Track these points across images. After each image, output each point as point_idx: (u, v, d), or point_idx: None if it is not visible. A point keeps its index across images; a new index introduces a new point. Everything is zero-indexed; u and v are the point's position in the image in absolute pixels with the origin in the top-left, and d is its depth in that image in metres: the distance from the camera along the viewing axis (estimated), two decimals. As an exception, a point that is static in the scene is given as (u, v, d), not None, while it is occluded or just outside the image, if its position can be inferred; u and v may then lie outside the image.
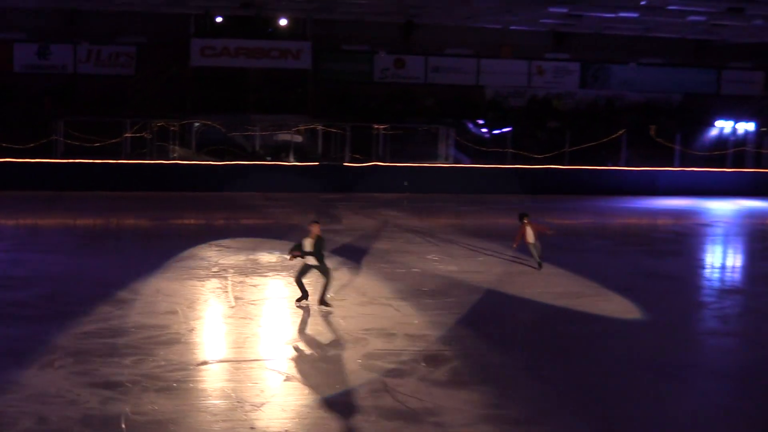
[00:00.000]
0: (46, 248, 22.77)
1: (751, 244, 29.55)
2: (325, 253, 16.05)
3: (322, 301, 15.67)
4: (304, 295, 15.89)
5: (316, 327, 15.13)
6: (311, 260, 15.68)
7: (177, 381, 12.29)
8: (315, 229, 15.82)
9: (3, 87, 36.89)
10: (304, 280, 15.87)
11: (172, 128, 35.89)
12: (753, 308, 18.72)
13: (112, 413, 10.85)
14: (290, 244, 17.20)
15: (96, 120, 34.44)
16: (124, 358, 13.34)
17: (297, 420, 10.73)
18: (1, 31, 37.41)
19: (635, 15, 33.84)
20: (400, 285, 18.65)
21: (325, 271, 15.78)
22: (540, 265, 20.60)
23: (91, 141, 33.59)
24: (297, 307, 16.03)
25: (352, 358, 13.21)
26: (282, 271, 19.49)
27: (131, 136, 35.02)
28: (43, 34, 37.92)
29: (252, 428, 10.41)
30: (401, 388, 11.68)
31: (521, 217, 20.77)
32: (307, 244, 15.61)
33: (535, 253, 20.76)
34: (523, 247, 20.85)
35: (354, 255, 22.20)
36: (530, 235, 20.40)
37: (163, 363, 12.95)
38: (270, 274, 19.89)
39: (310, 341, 14.33)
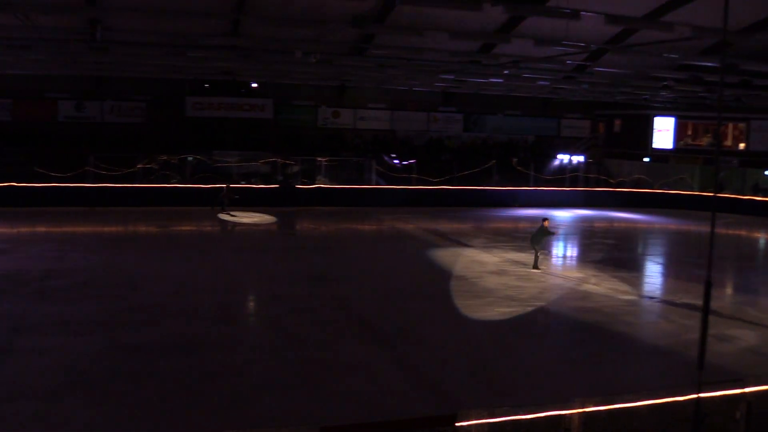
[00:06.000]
0: (82, 248, 23.07)
1: (583, 240, 30.87)
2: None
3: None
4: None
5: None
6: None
7: (195, 341, 13.23)
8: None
9: (51, 132, 36.59)
10: None
11: (172, 161, 35.73)
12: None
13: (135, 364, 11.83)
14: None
15: (117, 155, 34.25)
16: (140, 326, 14.07)
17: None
18: (50, 92, 36.99)
19: (501, 80, 33.18)
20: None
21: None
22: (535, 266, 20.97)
23: (114, 171, 33.56)
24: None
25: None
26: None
27: (143, 167, 34.87)
28: (80, 94, 37.59)
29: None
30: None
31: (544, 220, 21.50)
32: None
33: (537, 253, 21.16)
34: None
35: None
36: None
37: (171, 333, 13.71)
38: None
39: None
